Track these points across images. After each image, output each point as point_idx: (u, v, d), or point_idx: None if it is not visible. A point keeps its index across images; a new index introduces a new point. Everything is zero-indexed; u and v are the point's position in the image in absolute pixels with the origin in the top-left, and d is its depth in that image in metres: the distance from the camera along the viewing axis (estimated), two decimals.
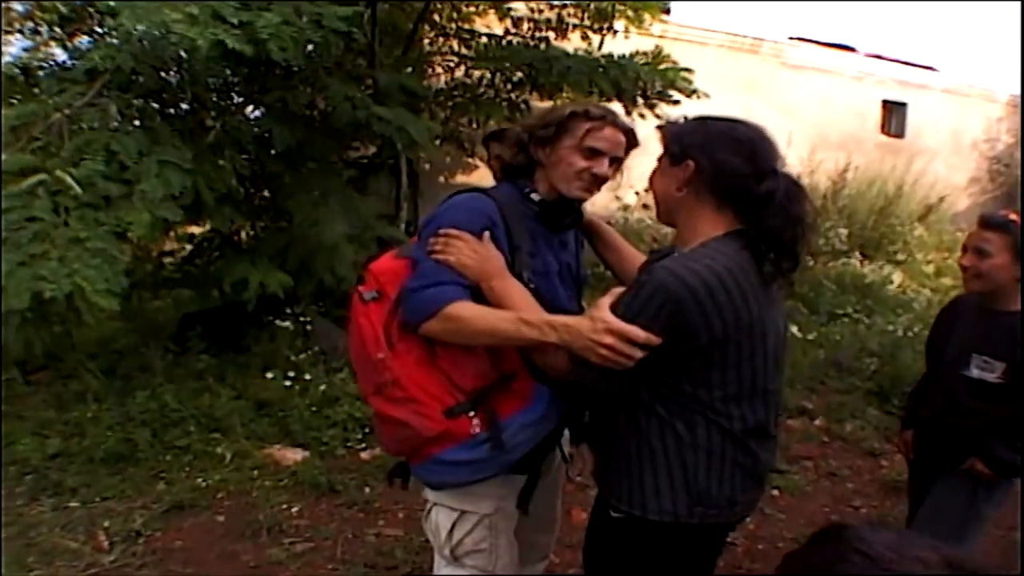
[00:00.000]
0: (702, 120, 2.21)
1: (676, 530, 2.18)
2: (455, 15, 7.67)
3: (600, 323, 2.01)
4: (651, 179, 2.24)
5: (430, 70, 7.78)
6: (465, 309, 2.22)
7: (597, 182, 2.49)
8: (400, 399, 2.33)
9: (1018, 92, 14.23)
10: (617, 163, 2.52)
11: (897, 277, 10.57)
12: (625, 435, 2.21)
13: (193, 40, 4.31)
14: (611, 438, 2.26)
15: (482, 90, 7.54)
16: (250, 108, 6.69)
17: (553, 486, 2.97)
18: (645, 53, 7.22)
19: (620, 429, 2.22)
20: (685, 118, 2.26)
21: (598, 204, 9.76)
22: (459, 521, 2.53)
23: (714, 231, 2.12)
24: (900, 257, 11.40)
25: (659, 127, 2.23)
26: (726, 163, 2.10)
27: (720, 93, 7.64)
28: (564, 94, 7.72)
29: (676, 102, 7.14)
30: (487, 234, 2.33)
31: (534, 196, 2.53)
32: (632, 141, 2.54)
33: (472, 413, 2.29)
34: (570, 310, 2.48)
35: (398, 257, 2.50)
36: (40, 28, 6.77)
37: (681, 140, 2.15)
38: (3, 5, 6.49)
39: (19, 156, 4.57)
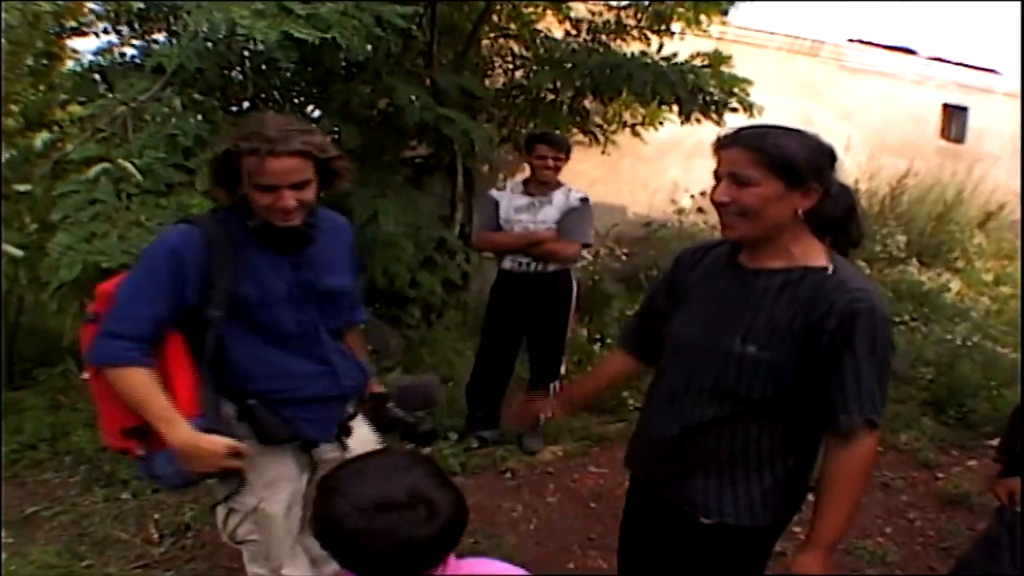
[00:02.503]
0: (800, 135, 2.18)
1: (763, 534, 2.28)
2: (515, 16, 7.63)
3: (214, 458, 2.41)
4: (751, 198, 2.13)
5: (489, 71, 7.76)
6: (128, 382, 2.42)
7: (294, 209, 2.46)
8: (100, 413, 2.63)
9: None
10: (304, 185, 2.45)
11: (955, 285, 10.39)
12: (722, 444, 2.27)
13: (263, 32, 4.39)
14: (702, 448, 2.30)
15: (543, 95, 7.51)
16: (310, 108, 6.73)
17: None
18: (705, 55, 7.14)
19: (715, 438, 2.28)
20: (761, 128, 2.22)
21: (655, 208, 9.72)
22: (230, 514, 2.71)
23: (818, 244, 2.22)
24: (959, 264, 11.21)
25: (751, 146, 2.14)
26: (834, 183, 2.18)
27: (778, 96, 7.57)
28: (623, 98, 7.68)
29: (734, 110, 7.05)
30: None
31: (250, 224, 2.53)
32: (319, 154, 2.47)
33: (139, 437, 2.53)
34: (295, 334, 2.63)
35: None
36: (120, 28, 6.90)
37: (801, 163, 2.11)
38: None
39: (84, 146, 4.70)
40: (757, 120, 7.03)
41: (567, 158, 5.36)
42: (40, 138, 4.97)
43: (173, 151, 4.71)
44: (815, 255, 2.19)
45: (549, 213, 5.25)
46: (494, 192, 5.53)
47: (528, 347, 5.60)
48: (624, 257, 8.93)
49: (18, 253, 4.53)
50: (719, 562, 2.34)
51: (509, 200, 5.35)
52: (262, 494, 2.67)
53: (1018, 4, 15.26)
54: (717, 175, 2.20)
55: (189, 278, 2.45)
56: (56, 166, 4.95)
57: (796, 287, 2.15)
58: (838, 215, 2.27)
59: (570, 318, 5.50)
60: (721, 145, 2.19)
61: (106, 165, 4.49)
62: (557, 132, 6.01)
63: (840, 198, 2.25)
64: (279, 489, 2.71)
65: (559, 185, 5.35)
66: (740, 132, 2.19)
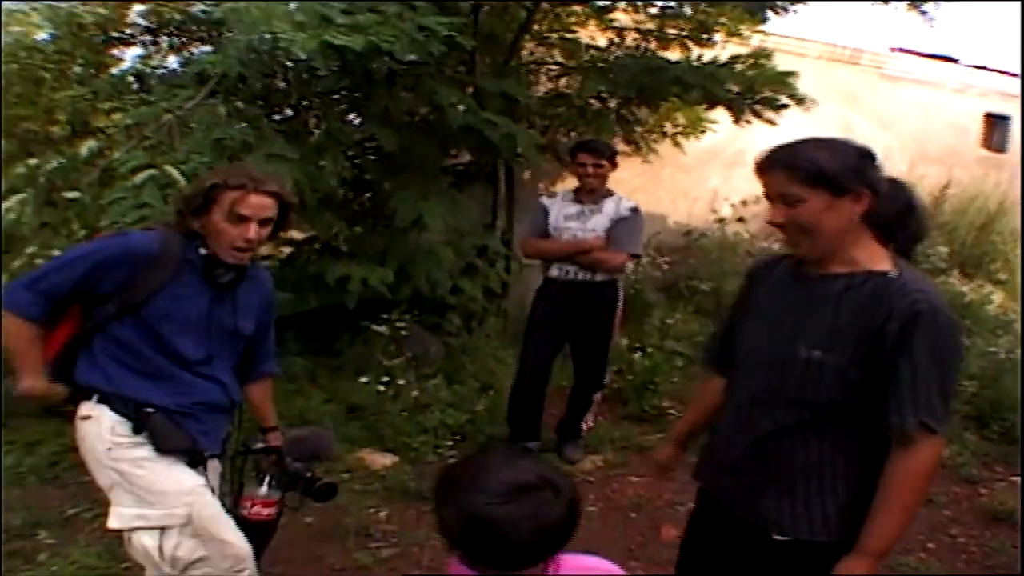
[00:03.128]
0: (832, 144, 2.19)
1: (835, 549, 2.19)
2: (557, 25, 7.64)
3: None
4: (806, 215, 2.16)
5: (531, 78, 7.77)
6: (14, 329, 2.70)
7: (249, 246, 2.76)
8: None
9: None
10: (268, 222, 2.77)
11: (998, 297, 10.25)
12: (793, 456, 2.25)
13: (303, 44, 4.44)
14: (772, 460, 2.28)
15: (589, 101, 7.50)
16: (351, 116, 6.76)
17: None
18: (747, 57, 7.12)
19: (785, 450, 2.26)
20: (793, 145, 2.22)
21: (696, 217, 9.69)
22: (164, 535, 2.69)
23: (881, 249, 2.23)
24: (1001, 276, 11.06)
25: (787, 166, 2.17)
26: (880, 181, 2.16)
27: (818, 105, 7.52)
28: (669, 104, 7.67)
29: (784, 106, 7.03)
30: None
31: (201, 251, 2.77)
32: (283, 204, 2.81)
33: None
34: (190, 358, 2.80)
35: None
36: (158, 40, 6.99)
37: (839, 171, 2.12)
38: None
39: (131, 153, 4.80)
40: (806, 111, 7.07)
41: (612, 165, 5.31)
42: (87, 146, 5.04)
43: (219, 156, 4.83)
44: (878, 259, 2.20)
45: (598, 221, 5.22)
46: (545, 199, 5.54)
47: (572, 356, 5.57)
48: (665, 266, 8.91)
49: None
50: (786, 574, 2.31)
51: (559, 208, 5.34)
52: (188, 498, 2.72)
53: None
54: (767, 198, 2.24)
55: (118, 274, 2.70)
56: (104, 173, 5.04)
57: (859, 291, 2.15)
58: (895, 213, 2.27)
59: (615, 329, 5.46)
60: (760, 169, 2.23)
61: (153, 172, 4.59)
62: (600, 140, 5.97)
63: (896, 196, 2.28)
64: (203, 491, 2.76)
65: (610, 194, 5.33)
66: (774, 154, 2.21)
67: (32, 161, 5.02)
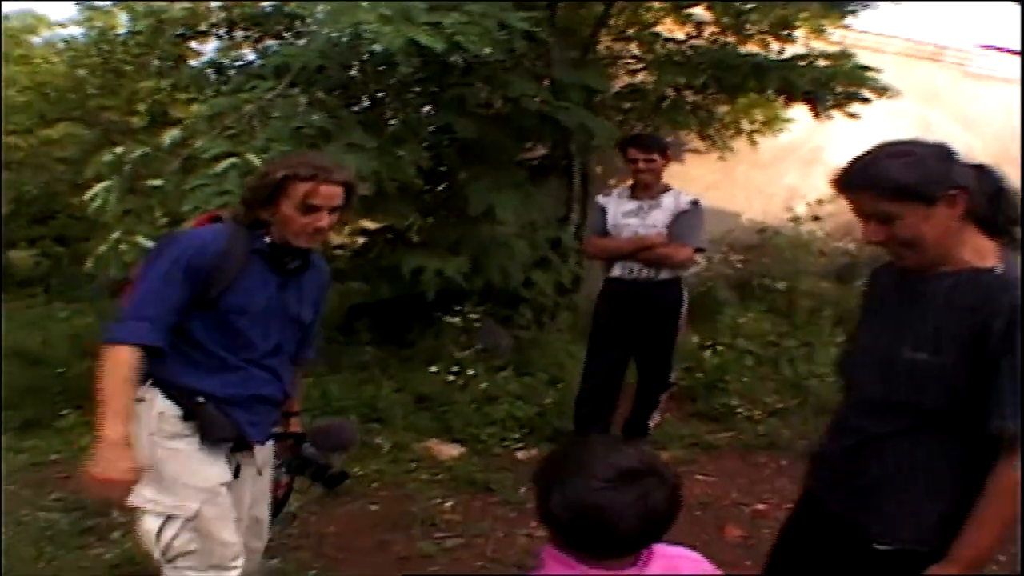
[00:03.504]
0: (905, 151, 2.08)
1: (932, 559, 2.09)
2: (634, 19, 7.60)
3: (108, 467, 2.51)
4: (905, 230, 2.07)
5: (608, 72, 7.73)
6: (120, 359, 2.59)
7: (320, 233, 2.78)
8: None
9: None
10: (338, 209, 2.78)
11: None
12: (898, 465, 2.17)
13: (389, 38, 4.49)
14: (878, 465, 2.20)
15: (667, 94, 7.45)
16: (427, 108, 6.80)
17: (261, 489, 3.12)
18: (828, 55, 7.03)
19: (891, 455, 2.18)
20: (866, 161, 2.11)
21: (771, 214, 9.58)
22: (167, 523, 2.74)
23: (989, 244, 2.11)
24: None
25: (869, 185, 2.07)
26: (966, 176, 2.06)
27: (897, 103, 7.40)
28: (747, 99, 7.60)
29: (866, 100, 6.92)
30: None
31: (266, 239, 2.78)
32: (349, 191, 2.80)
33: None
34: (258, 346, 2.83)
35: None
36: (235, 34, 7.11)
37: (922, 180, 2.02)
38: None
39: (214, 142, 4.92)
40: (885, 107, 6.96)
41: (664, 159, 5.14)
42: (169, 135, 5.14)
43: (298, 145, 4.92)
44: (984, 256, 2.10)
45: (658, 217, 5.06)
46: (600, 198, 5.40)
47: (636, 357, 5.40)
48: (738, 264, 8.82)
49: (149, 244, 4.70)
50: None
51: (616, 205, 5.19)
52: (203, 497, 2.77)
53: None
54: (859, 216, 2.15)
55: (200, 275, 2.69)
56: (186, 162, 5.15)
57: (964, 289, 2.07)
58: (986, 200, 2.13)
59: (679, 328, 5.30)
60: (842, 190, 2.15)
61: (234, 160, 4.69)
62: (650, 134, 5.97)
63: (983, 181, 2.13)
64: (219, 492, 2.81)
65: (667, 188, 5.16)
66: (852, 173, 2.12)
67: (118, 150, 5.14)
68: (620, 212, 5.14)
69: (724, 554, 4.29)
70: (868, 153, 2.11)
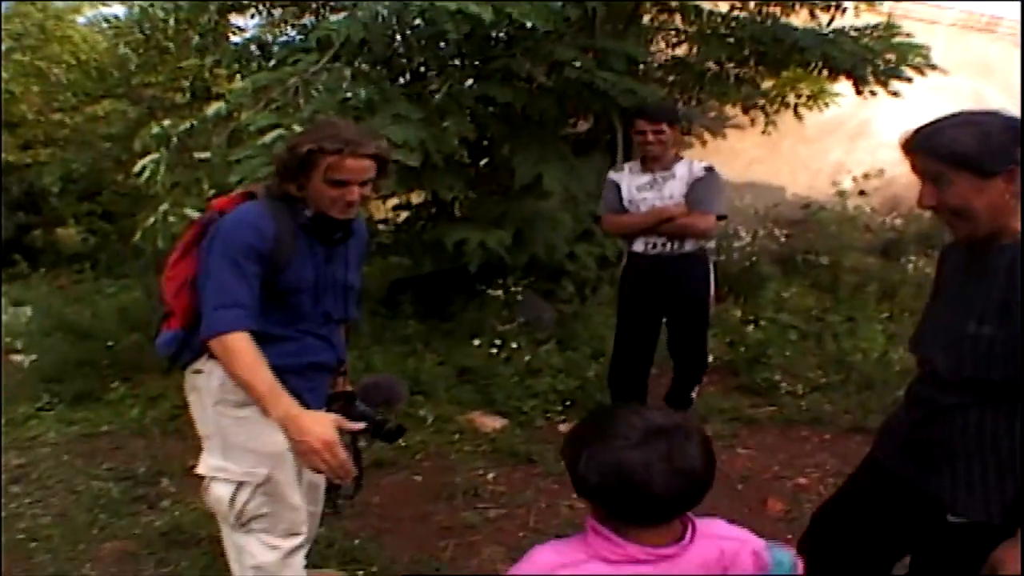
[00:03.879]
0: (974, 122, 2.08)
1: (1003, 533, 2.10)
2: None
3: (325, 443, 2.39)
4: (955, 198, 2.08)
5: (651, 44, 7.67)
6: (236, 345, 2.56)
7: (352, 206, 2.73)
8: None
9: None
10: (369, 182, 2.73)
11: None
12: (968, 438, 2.16)
13: (438, 9, 4.49)
14: (949, 439, 2.20)
15: (708, 67, 7.36)
16: (470, 82, 6.78)
17: None
18: (876, 27, 6.92)
19: (960, 428, 2.18)
20: (936, 125, 2.13)
21: (816, 189, 9.49)
22: (239, 489, 2.82)
23: None
24: None
25: (929, 147, 2.09)
26: None
27: (949, 76, 7.28)
28: (790, 73, 7.50)
29: (909, 79, 6.81)
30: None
31: (307, 212, 2.75)
32: (381, 162, 2.74)
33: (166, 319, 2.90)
34: (310, 315, 2.86)
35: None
36: (273, 11, 7.14)
37: (984, 152, 2.03)
38: None
39: (260, 115, 4.96)
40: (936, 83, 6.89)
41: (672, 129, 4.93)
42: (214, 108, 5.18)
43: (344, 116, 4.89)
44: None
45: (674, 187, 4.88)
46: (612, 174, 5.20)
47: (668, 336, 5.28)
48: (782, 238, 8.76)
49: (195, 215, 4.76)
50: (956, 558, 2.24)
51: (629, 180, 5.00)
52: (272, 462, 2.82)
53: None
54: (918, 176, 2.15)
55: (265, 261, 2.69)
56: (232, 135, 5.19)
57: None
58: None
59: (710, 301, 5.12)
60: (905, 149, 2.16)
61: (281, 131, 4.72)
62: (659, 102, 5.65)
63: None
64: (287, 457, 2.83)
65: (679, 158, 5.00)
66: (917, 135, 2.13)
67: (165, 123, 5.21)
68: (634, 187, 4.98)
69: (765, 528, 4.28)
70: (944, 118, 2.11)
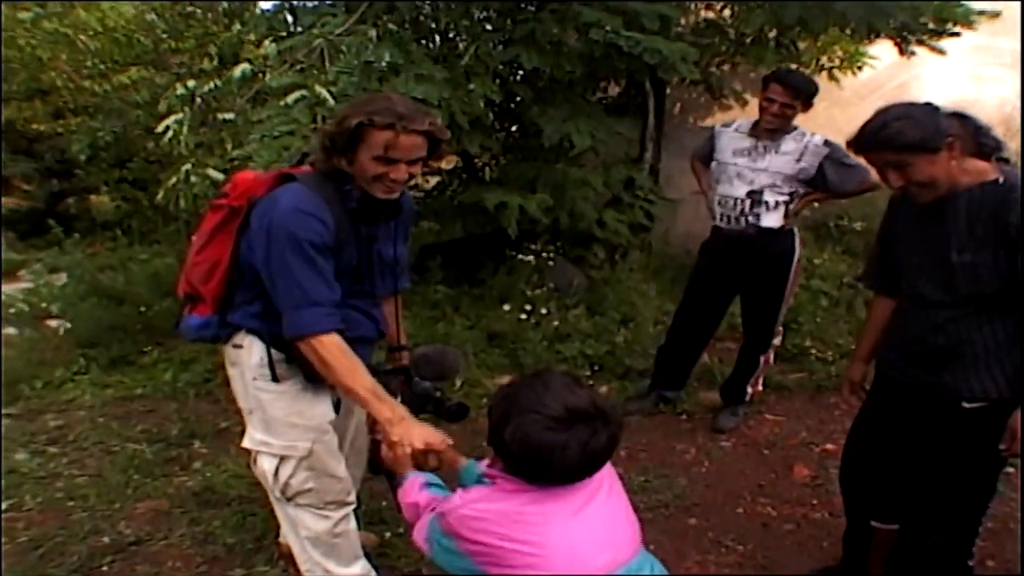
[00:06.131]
0: (908, 113, 2.64)
1: (1012, 405, 2.73)
2: None
3: (403, 442, 2.38)
4: (918, 175, 2.64)
5: (684, 6, 7.53)
6: (331, 350, 2.55)
7: (397, 185, 2.65)
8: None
9: None
10: (419, 161, 2.64)
11: None
12: (971, 338, 2.77)
13: None
14: (954, 342, 2.80)
15: (748, 32, 7.19)
16: (497, 46, 6.71)
17: (360, 421, 3.29)
18: None
19: (964, 332, 2.78)
20: (876, 124, 2.67)
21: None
22: (283, 463, 2.87)
23: (987, 164, 2.72)
24: None
25: (883, 144, 2.64)
26: (953, 126, 2.65)
27: (981, 36, 7.16)
28: (829, 35, 7.36)
29: (956, 34, 6.67)
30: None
31: (354, 193, 2.69)
32: (435, 140, 2.63)
33: (190, 301, 2.91)
34: (351, 292, 2.80)
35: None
36: None
37: (925, 136, 2.58)
38: None
39: (283, 76, 4.97)
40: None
41: (803, 105, 4.57)
42: (240, 69, 5.16)
43: (368, 78, 4.95)
44: (986, 173, 2.70)
45: (774, 162, 4.58)
46: (718, 126, 4.93)
47: (742, 313, 5.14)
48: (815, 204, 8.66)
49: (219, 176, 4.78)
50: (974, 436, 2.85)
51: (729, 139, 4.75)
52: (313, 436, 2.86)
53: None
54: (878, 169, 2.74)
55: (329, 253, 2.65)
56: (256, 96, 5.19)
57: (981, 199, 2.67)
58: (971, 139, 2.72)
59: (790, 281, 4.87)
60: (859, 150, 2.75)
61: (303, 92, 4.72)
62: (802, 73, 5.20)
63: (965, 126, 2.72)
64: (327, 430, 2.89)
65: (793, 128, 4.63)
66: (867, 136, 2.69)
67: (190, 83, 5.20)
68: (731, 149, 4.73)
69: (792, 493, 4.34)
70: (874, 119, 2.69)
